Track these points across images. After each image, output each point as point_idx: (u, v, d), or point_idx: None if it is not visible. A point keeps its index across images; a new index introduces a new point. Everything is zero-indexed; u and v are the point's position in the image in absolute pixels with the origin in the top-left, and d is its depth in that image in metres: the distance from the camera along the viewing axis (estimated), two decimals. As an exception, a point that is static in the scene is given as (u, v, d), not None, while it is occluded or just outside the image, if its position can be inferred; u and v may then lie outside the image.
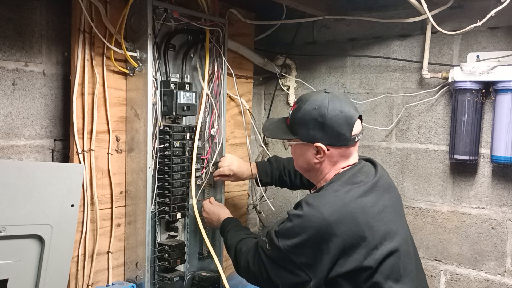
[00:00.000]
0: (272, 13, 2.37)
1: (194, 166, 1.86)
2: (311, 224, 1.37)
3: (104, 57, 1.70)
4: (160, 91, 1.80)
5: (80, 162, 1.65)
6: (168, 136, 1.82)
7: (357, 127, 1.50)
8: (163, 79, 1.83)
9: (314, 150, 1.50)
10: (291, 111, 1.54)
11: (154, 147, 1.78)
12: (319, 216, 1.37)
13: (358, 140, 1.51)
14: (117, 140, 1.78)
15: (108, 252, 1.78)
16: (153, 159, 1.78)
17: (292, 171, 1.95)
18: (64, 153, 1.75)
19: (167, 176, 1.83)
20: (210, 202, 1.94)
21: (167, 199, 1.84)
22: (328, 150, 1.48)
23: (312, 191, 1.63)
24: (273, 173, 1.98)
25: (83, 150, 1.66)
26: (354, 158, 1.55)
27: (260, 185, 2.00)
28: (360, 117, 1.53)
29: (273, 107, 2.62)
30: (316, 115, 1.46)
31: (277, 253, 1.43)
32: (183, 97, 1.82)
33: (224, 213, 1.85)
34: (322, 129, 1.46)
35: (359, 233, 1.37)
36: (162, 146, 1.83)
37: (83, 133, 1.66)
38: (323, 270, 1.38)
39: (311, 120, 1.47)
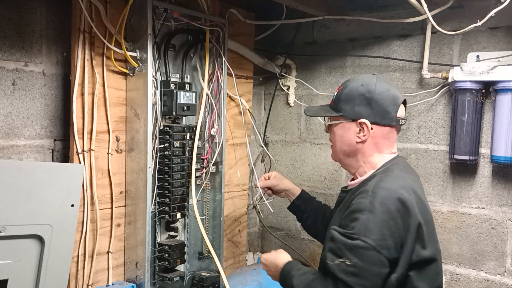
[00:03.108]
0: (272, 13, 2.37)
1: (194, 166, 1.86)
2: (390, 208, 1.30)
3: (104, 57, 1.70)
4: (160, 91, 1.80)
5: (80, 162, 1.65)
6: (168, 136, 1.82)
7: (401, 110, 1.49)
8: (163, 79, 1.83)
9: (357, 128, 1.46)
10: (335, 93, 1.53)
11: (154, 147, 1.78)
12: (395, 197, 1.31)
13: (401, 124, 1.50)
14: (117, 140, 1.78)
15: (108, 252, 1.78)
16: (153, 159, 1.78)
17: (319, 218, 1.85)
18: (64, 153, 1.75)
19: (167, 176, 1.83)
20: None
21: (167, 199, 1.84)
22: (371, 129, 1.45)
23: (351, 182, 1.55)
24: (309, 205, 1.87)
25: (83, 150, 1.66)
26: (395, 147, 1.53)
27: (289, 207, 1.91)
28: (405, 102, 1.52)
29: (273, 107, 2.62)
30: (364, 90, 1.45)
31: (366, 255, 1.29)
32: (183, 97, 1.82)
33: (282, 258, 1.58)
34: (368, 104, 1.44)
35: (428, 220, 1.37)
36: (162, 146, 1.83)
37: (83, 133, 1.66)
38: (407, 256, 1.31)
39: (358, 95, 1.45)
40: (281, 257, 1.59)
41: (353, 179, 1.55)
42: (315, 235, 1.89)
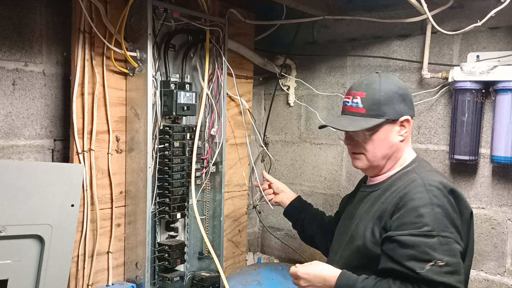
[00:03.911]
0: (272, 13, 2.37)
1: (194, 166, 1.86)
2: (450, 200, 1.32)
3: (104, 57, 1.70)
4: (160, 91, 1.80)
5: (80, 162, 1.65)
6: (168, 136, 1.82)
7: None
8: (163, 79, 1.83)
9: (398, 126, 1.46)
10: (358, 102, 1.45)
11: (154, 147, 1.78)
12: (448, 189, 1.34)
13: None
14: (117, 140, 1.78)
15: (108, 252, 1.78)
16: (153, 159, 1.78)
17: (314, 227, 1.85)
18: (64, 153, 1.75)
19: (167, 176, 1.83)
20: (295, 267, 1.48)
21: (167, 199, 1.84)
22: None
23: (375, 177, 1.53)
24: (306, 208, 1.89)
25: (83, 150, 1.66)
26: None
27: (284, 213, 1.93)
28: None
29: (273, 107, 2.62)
30: (395, 88, 1.45)
31: (452, 250, 1.25)
32: (183, 97, 1.82)
33: (328, 270, 1.41)
34: (404, 100, 1.45)
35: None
36: (162, 146, 1.83)
37: (83, 133, 1.66)
38: (464, 246, 1.32)
39: (394, 94, 1.44)
40: (326, 269, 1.41)
41: (374, 176, 1.54)
42: (311, 239, 1.88)
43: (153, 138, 1.77)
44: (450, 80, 1.96)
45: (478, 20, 1.70)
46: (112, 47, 1.67)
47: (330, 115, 2.42)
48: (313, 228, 1.84)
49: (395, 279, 1.27)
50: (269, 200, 1.92)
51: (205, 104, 1.96)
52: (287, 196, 1.92)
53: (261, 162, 2.67)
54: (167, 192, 1.84)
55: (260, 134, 2.61)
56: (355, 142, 1.49)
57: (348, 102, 1.49)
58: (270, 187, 1.94)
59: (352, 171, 2.36)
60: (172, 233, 1.96)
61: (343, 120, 1.48)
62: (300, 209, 1.88)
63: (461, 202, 1.36)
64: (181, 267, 1.97)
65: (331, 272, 1.38)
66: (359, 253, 1.42)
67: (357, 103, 1.45)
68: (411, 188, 1.35)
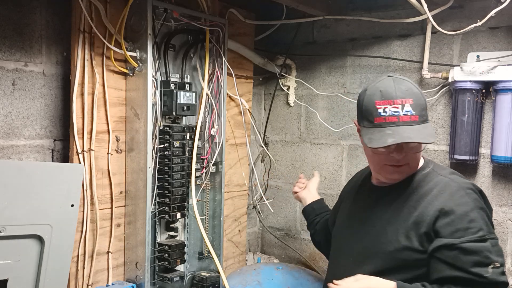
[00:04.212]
0: (272, 13, 2.37)
1: (194, 166, 1.86)
2: (484, 200, 1.38)
3: (104, 57, 1.70)
4: (160, 91, 1.80)
5: (80, 162, 1.65)
6: (168, 136, 1.82)
7: None
8: (163, 79, 1.83)
9: None
10: (410, 110, 1.32)
11: (154, 147, 1.78)
12: (478, 190, 1.38)
13: None
14: (117, 140, 1.78)
15: (108, 252, 1.78)
16: (153, 159, 1.78)
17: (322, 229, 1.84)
18: (64, 153, 1.75)
19: (167, 176, 1.83)
20: (334, 283, 1.40)
21: (167, 199, 1.84)
22: None
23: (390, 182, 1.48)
24: (324, 211, 1.88)
25: (83, 150, 1.66)
26: None
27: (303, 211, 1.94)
28: None
29: (273, 107, 2.62)
30: (420, 91, 1.39)
31: (500, 250, 1.31)
32: (183, 97, 1.82)
33: (382, 283, 1.35)
34: (426, 103, 1.41)
35: None
36: (162, 146, 1.83)
37: (83, 133, 1.66)
38: None
39: (424, 98, 1.39)
40: (377, 282, 1.35)
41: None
42: (319, 244, 1.88)
43: (153, 138, 1.77)
44: (450, 80, 1.96)
45: (478, 20, 1.70)
46: (112, 47, 1.67)
47: (330, 115, 2.42)
48: (321, 234, 1.82)
49: (456, 286, 1.27)
50: (293, 192, 1.97)
51: (205, 104, 1.96)
52: (310, 195, 1.91)
53: (261, 162, 2.67)
54: (167, 192, 1.84)
55: (260, 134, 2.61)
56: (404, 154, 1.37)
57: (397, 112, 1.32)
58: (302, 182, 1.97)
59: (352, 171, 2.36)
60: (172, 233, 1.96)
61: (410, 133, 1.32)
62: (318, 212, 1.87)
63: (487, 202, 1.39)
64: (181, 267, 1.97)
65: (387, 286, 1.33)
66: (391, 258, 1.37)
67: (409, 111, 1.33)
68: (451, 193, 1.34)
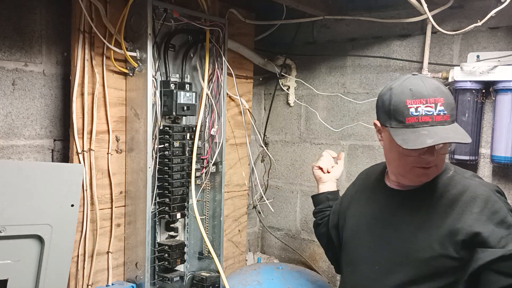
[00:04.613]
0: (272, 13, 2.37)
1: (194, 166, 1.86)
2: None
3: (104, 57, 1.70)
4: (160, 91, 1.80)
5: (80, 162, 1.65)
6: (168, 136, 1.82)
7: None
8: (163, 79, 1.83)
9: None
10: (443, 109, 1.28)
11: (154, 147, 1.78)
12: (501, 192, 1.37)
13: None
14: (117, 140, 1.78)
15: (108, 252, 1.78)
16: (153, 159, 1.78)
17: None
18: (64, 153, 1.75)
19: (167, 176, 1.83)
20: None
21: (167, 199, 1.84)
22: None
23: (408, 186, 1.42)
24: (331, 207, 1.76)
25: (83, 150, 1.66)
26: None
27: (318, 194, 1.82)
28: None
29: (273, 107, 2.62)
30: (447, 89, 1.34)
31: None
32: (183, 97, 1.82)
33: None
34: None
35: None
36: (162, 146, 1.83)
37: (83, 133, 1.66)
38: None
39: (452, 97, 1.33)
40: None
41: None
42: (322, 236, 1.78)
43: (153, 138, 1.77)
44: (450, 80, 1.96)
45: (478, 20, 1.70)
46: (112, 47, 1.67)
47: (330, 115, 2.42)
48: (325, 227, 1.74)
49: None
50: (318, 167, 1.81)
51: (205, 104, 1.96)
52: (330, 182, 1.79)
53: (261, 162, 2.67)
54: (167, 192, 1.84)
55: (260, 134, 2.61)
56: (436, 156, 1.32)
57: (431, 111, 1.27)
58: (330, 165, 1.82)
59: (352, 171, 2.36)
60: (172, 233, 1.96)
61: (447, 133, 1.28)
62: (331, 204, 1.76)
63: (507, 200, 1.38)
64: (181, 267, 1.97)
65: None
66: (424, 266, 1.33)
67: (442, 110, 1.28)
68: (485, 198, 1.30)
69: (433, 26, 1.86)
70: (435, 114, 1.27)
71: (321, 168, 1.81)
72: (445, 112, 1.27)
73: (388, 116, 1.33)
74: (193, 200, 1.87)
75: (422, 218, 1.36)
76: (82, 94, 1.65)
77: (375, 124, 1.42)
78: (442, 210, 1.33)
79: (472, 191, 1.33)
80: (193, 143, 1.88)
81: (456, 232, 1.29)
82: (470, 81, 1.90)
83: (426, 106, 1.28)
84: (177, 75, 1.92)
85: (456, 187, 1.35)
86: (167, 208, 1.84)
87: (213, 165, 2.02)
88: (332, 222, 1.69)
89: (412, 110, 1.28)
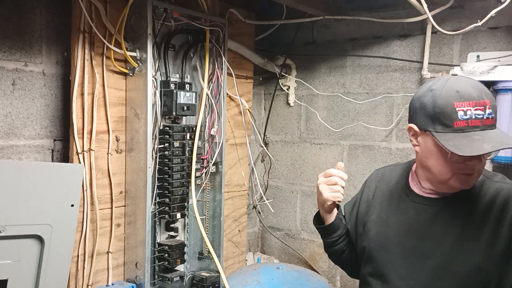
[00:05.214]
0: (272, 13, 2.37)
1: (194, 166, 1.86)
2: None
3: (104, 57, 1.70)
4: (160, 91, 1.80)
5: (80, 162, 1.65)
6: (168, 136, 1.82)
7: None
8: (163, 79, 1.83)
9: None
10: (491, 112, 1.20)
11: (154, 147, 1.78)
12: None
13: None
14: (117, 140, 1.78)
15: (108, 252, 1.78)
16: (153, 159, 1.78)
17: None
18: (64, 153, 1.75)
19: (167, 176, 1.83)
20: None
21: (167, 199, 1.84)
22: None
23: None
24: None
25: (83, 150, 1.66)
26: None
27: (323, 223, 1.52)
28: None
29: (273, 107, 2.62)
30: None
31: None
32: (183, 97, 1.82)
33: None
34: None
35: None
36: (162, 146, 1.83)
37: (83, 133, 1.66)
38: None
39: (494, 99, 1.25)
40: None
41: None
42: (345, 262, 1.55)
43: (153, 138, 1.77)
44: (450, 80, 1.96)
45: (478, 20, 1.70)
46: (112, 47, 1.67)
47: (330, 115, 2.42)
48: (349, 249, 1.53)
49: None
50: (336, 199, 1.48)
51: (205, 104, 1.96)
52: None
53: (261, 162, 2.67)
54: (167, 192, 1.84)
55: (260, 134, 2.61)
56: (483, 162, 1.25)
57: (481, 114, 1.19)
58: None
59: (352, 171, 2.36)
60: (172, 233, 1.96)
61: (500, 137, 1.20)
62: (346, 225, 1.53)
63: None
64: (181, 267, 1.97)
65: None
66: (466, 279, 1.26)
67: (490, 113, 1.20)
68: (506, 200, 1.25)
69: (433, 26, 1.86)
70: (484, 117, 1.19)
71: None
72: (493, 115, 1.20)
73: (432, 120, 1.22)
74: (193, 200, 1.87)
75: (461, 228, 1.27)
76: (82, 94, 1.65)
77: (410, 129, 1.29)
78: (479, 219, 1.26)
79: (504, 194, 1.26)
80: (193, 143, 1.88)
81: (495, 242, 1.23)
82: (470, 81, 1.90)
83: (476, 109, 1.19)
84: (177, 75, 1.92)
85: (489, 192, 1.28)
86: (167, 208, 1.84)
87: (213, 165, 2.02)
88: (352, 229, 1.51)
89: (461, 113, 1.18)
